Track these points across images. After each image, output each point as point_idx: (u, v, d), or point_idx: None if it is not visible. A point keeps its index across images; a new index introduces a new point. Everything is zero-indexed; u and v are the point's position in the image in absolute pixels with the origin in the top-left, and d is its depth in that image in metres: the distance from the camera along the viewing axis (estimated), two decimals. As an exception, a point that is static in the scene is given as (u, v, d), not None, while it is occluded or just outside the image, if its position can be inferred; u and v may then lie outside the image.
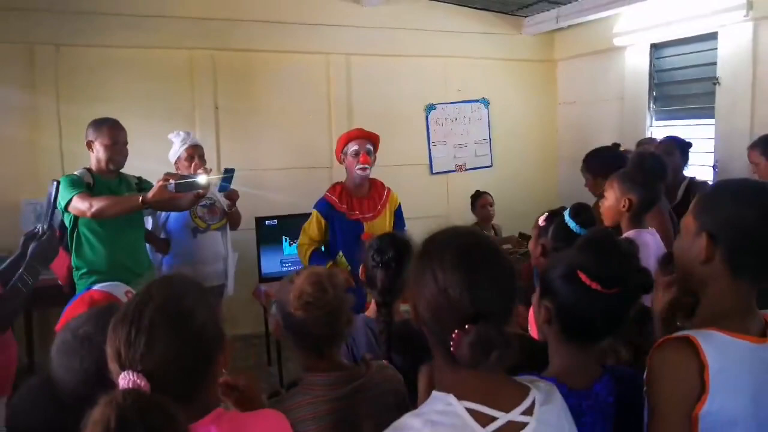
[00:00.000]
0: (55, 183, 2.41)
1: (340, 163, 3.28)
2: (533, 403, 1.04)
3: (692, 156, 3.79)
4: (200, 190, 2.94)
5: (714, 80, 4.15)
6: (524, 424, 1.01)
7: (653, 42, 4.75)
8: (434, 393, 1.06)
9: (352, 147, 3.16)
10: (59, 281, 3.10)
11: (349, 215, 3.17)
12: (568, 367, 1.28)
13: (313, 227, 3.17)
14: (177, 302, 1.06)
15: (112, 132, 2.97)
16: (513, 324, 1.19)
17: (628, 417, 1.26)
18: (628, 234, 2.29)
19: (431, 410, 1.03)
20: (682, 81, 4.67)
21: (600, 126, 5.26)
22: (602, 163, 3.10)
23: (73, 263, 2.99)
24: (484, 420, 1.00)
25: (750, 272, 1.18)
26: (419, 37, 5.33)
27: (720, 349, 1.12)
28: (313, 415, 1.41)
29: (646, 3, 4.41)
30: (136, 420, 0.81)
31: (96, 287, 1.68)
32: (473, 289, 1.01)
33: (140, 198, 2.81)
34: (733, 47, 4.04)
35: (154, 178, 3.12)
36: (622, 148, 3.68)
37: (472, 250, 1.06)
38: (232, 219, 3.59)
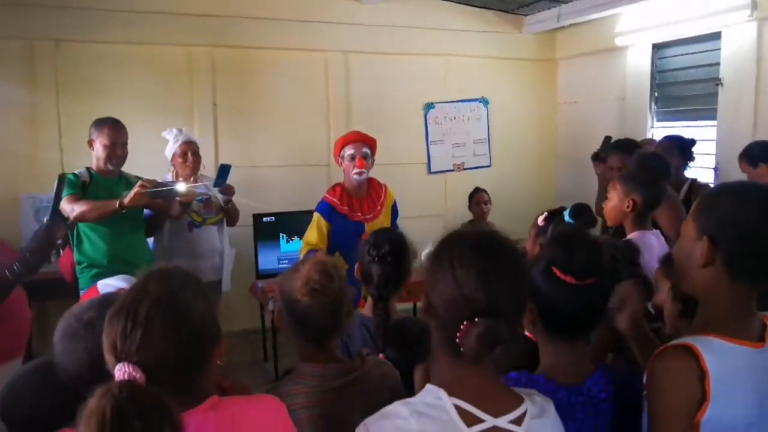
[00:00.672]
0: (59, 179, 2.43)
1: (339, 165, 3.30)
2: (524, 414, 1.04)
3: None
4: (179, 198, 3.08)
5: (716, 81, 4.12)
6: None
7: (655, 42, 4.73)
8: (427, 386, 1.07)
9: (348, 151, 3.17)
10: (66, 278, 3.13)
11: (351, 216, 3.17)
12: (556, 364, 1.29)
13: (313, 233, 3.13)
14: (173, 295, 1.06)
15: (112, 132, 3.03)
16: (523, 323, 1.21)
17: (626, 413, 1.26)
18: (632, 236, 2.27)
19: (420, 401, 1.04)
20: (684, 82, 4.64)
21: (600, 126, 5.22)
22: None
23: (75, 258, 3.06)
24: (470, 420, 1.01)
25: (749, 275, 1.17)
26: (418, 35, 5.32)
27: (720, 356, 1.12)
28: (306, 404, 1.42)
29: (649, 2, 4.40)
30: (132, 411, 0.81)
31: (103, 281, 1.66)
32: (488, 284, 1.02)
33: (117, 203, 2.88)
34: (736, 48, 4.01)
35: (151, 175, 3.14)
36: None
37: (490, 247, 1.08)
38: (229, 215, 3.60)
